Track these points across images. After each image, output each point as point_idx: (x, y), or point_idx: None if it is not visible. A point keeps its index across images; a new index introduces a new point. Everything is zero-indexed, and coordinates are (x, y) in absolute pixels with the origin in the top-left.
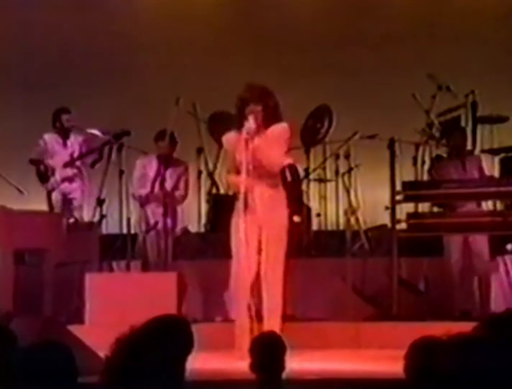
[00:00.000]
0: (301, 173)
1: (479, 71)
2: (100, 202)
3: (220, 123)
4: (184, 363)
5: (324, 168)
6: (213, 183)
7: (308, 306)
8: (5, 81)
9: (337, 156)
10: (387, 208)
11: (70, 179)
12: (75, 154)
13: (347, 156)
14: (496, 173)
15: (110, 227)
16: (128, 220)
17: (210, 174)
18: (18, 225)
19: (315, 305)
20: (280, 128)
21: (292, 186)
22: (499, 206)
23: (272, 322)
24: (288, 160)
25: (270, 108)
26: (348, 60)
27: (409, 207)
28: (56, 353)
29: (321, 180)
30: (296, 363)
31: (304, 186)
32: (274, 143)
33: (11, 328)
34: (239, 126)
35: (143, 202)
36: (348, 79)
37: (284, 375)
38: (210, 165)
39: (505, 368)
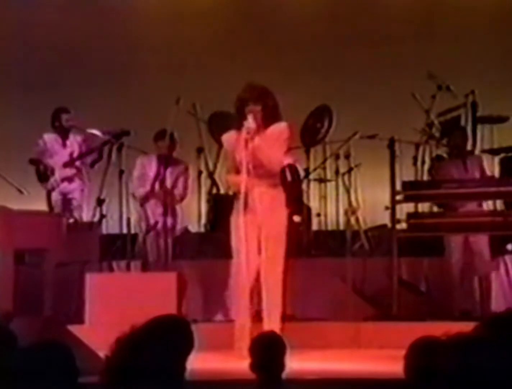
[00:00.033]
0: (301, 173)
1: (479, 71)
2: (100, 202)
3: (220, 123)
4: (184, 363)
5: (324, 168)
6: (213, 183)
7: (308, 306)
8: (5, 81)
9: (337, 156)
10: (387, 208)
11: (69, 179)
12: (75, 154)
13: (347, 156)
14: (496, 173)
15: (110, 227)
16: (128, 220)
17: (210, 174)
18: (18, 225)
19: (315, 305)
20: (279, 128)
21: (292, 186)
22: (499, 205)
23: (272, 322)
24: (288, 160)
25: (270, 108)
26: (348, 60)
27: (409, 207)
28: (56, 353)
29: (321, 180)
30: (296, 363)
31: (304, 186)
32: (273, 143)
33: (11, 328)
34: (238, 126)
35: (143, 200)
36: (348, 79)
37: (284, 375)
38: (210, 165)
39: (505, 368)
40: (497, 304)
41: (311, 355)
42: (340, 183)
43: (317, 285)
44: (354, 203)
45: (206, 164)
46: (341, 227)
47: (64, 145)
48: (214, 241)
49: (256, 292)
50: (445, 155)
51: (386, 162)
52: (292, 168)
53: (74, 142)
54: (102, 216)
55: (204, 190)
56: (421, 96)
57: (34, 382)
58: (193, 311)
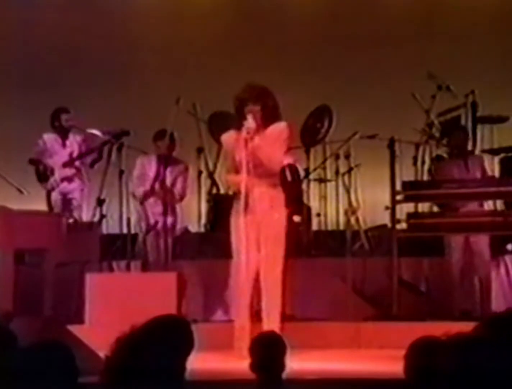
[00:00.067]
0: (301, 173)
1: (479, 71)
2: (100, 202)
3: (220, 123)
4: (184, 363)
5: (324, 168)
6: (213, 183)
7: (308, 306)
8: (5, 81)
9: (337, 156)
10: (387, 208)
11: (69, 179)
12: (74, 154)
13: (347, 156)
14: (496, 174)
15: (110, 227)
16: (128, 220)
17: (210, 174)
18: (18, 225)
19: (315, 305)
20: (279, 128)
21: (292, 186)
22: (499, 205)
23: (271, 322)
24: (288, 160)
25: (269, 108)
26: (348, 60)
27: (409, 207)
28: (56, 353)
29: (321, 180)
30: (296, 363)
31: (304, 186)
32: (273, 143)
33: (11, 328)
34: (238, 126)
35: (142, 199)
36: (348, 79)
37: (284, 375)
38: (210, 165)
39: (505, 368)
40: (497, 304)
41: (311, 355)
42: (340, 183)
43: (317, 285)
44: (354, 203)
45: (206, 164)
46: (341, 227)
47: (63, 145)
48: (214, 241)
49: (255, 292)
50: (445, 155)
51: (386, 162)
52: (292, 168)
53: (73, 142)
54: (102, 216)
55: (204, 190)
56: (421, 96)
57: (34, 382)
58: (193, 311)
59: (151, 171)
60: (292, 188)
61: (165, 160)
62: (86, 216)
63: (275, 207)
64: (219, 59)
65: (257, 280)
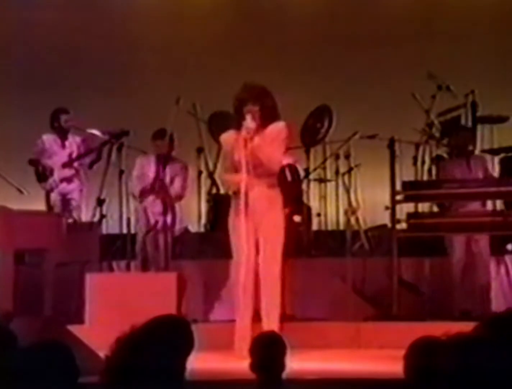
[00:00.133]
0: (301, 173)
1: (479, 71)
2: (100, 202)
3: (220, 123)
4: (184, 363)
5: (324, 168)
6: (213, 183)
7: (308, 306)
8: (5, 81)
9: (337, 156)
10: (387, 208)
11: (68, 180)
12: (74, 155)
13: (347, 156)
14: (496, 173)
15: (110, 227)
16: (128, 220)
17: (210, 174)
18: (18, 225)
19: (315, 305)
20: (278, 128)
21: (292, 186)
22: (499, 205)
23: (271, 322)
24: (288, 160)
25: (268, 108)
26: (348, 60)
27: (409, 207)
28: (56, 353)
29: (321, 180)
30: (296, 363)
31: (304, 186)
32: (272, 143)
33: (11, 328)
34: (237, 126)
35: (142, 198)
36: (348, 79)
37: (284, 375)
38: (210, 165)
39: (505, 368)
40: (497, 304)
41: (311, 355)
42: (340, 183)
43: (317, 285)
44: (354, 203)
45: (206, 164)
46: (341, 227)
47: (63, 146)
48: (214, 241)
49: (255, 292)
50: (445, 155)
51: (386, 162)
52: (292, 168)
53: (73, 143)
54: (102, 216)
55: (204, 190)
56: (421, 96)
57: (34, 382)
58: (193, 311)
59: (150, 171)
60: (292, 189)
61: (164, 160)
62: (85, 217)
63: (273, 207)
64: (219, 59)
65: (256, 280)
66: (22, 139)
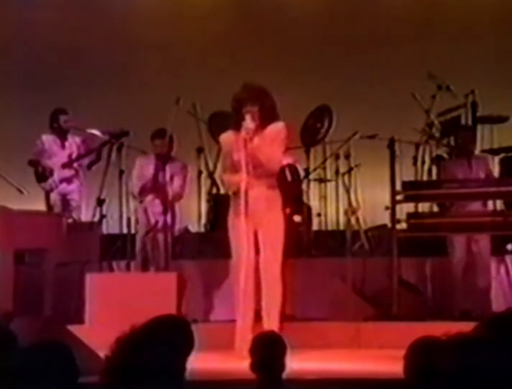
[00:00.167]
0: (301, 173)
1: (479, 71)
2: (100, 202)
3: (220, 123)
4: (184, 363)
5: (324, 168)
6: (213, 183)
7: (308, 306)
8: (4, 81)
9: (337, 156)
10: (387, 208)
11: (68, 180)
12: (73, 156)
13: (347, 156)
14: (496, 173)
15: (110, 227)
16: (128, 220)
17: (210, 174)
18: (18, 225)
19: (315, 305)
20: (277, 128)
21: (292, 186)
22: (499, 205)
23: (271, 322)
24: (288, 160)
25: (267, 108)
26: (348, 60)
27: (409, 207)
28: (56, 353)
29: (321, 180)
30: (296, 363)
31: (304, 186)
32: (272, 143)
33: (11, 328)
34: (236, 126)
35: (141, 198)
36: (348, 79)
37: (284, 375)
38: (210, 165)
39: (505, 368)
40: (497, 304)
41: (311, 355)
42: (340, 183)
43: (317, 285)
44: (354, 203)
45: (206, 164)
46: (341, 227)
47: (62, 146)
48: (214, 241)
49: (255, 292)
50: (445, 155)
51: (386, 162)
52: (292, 168)
53: (72, 143)
54: (102, 216)
55: (204, 190)
56: (421, 96)
57: (34, 382)
58: (193, 311)
59: (150, 171)
60: (292, 189)
61: (163, 160)
62: (85, 217)
63: (274, 207)
64: (219, 59)
65: (256, 280)
66: (22, 139)
